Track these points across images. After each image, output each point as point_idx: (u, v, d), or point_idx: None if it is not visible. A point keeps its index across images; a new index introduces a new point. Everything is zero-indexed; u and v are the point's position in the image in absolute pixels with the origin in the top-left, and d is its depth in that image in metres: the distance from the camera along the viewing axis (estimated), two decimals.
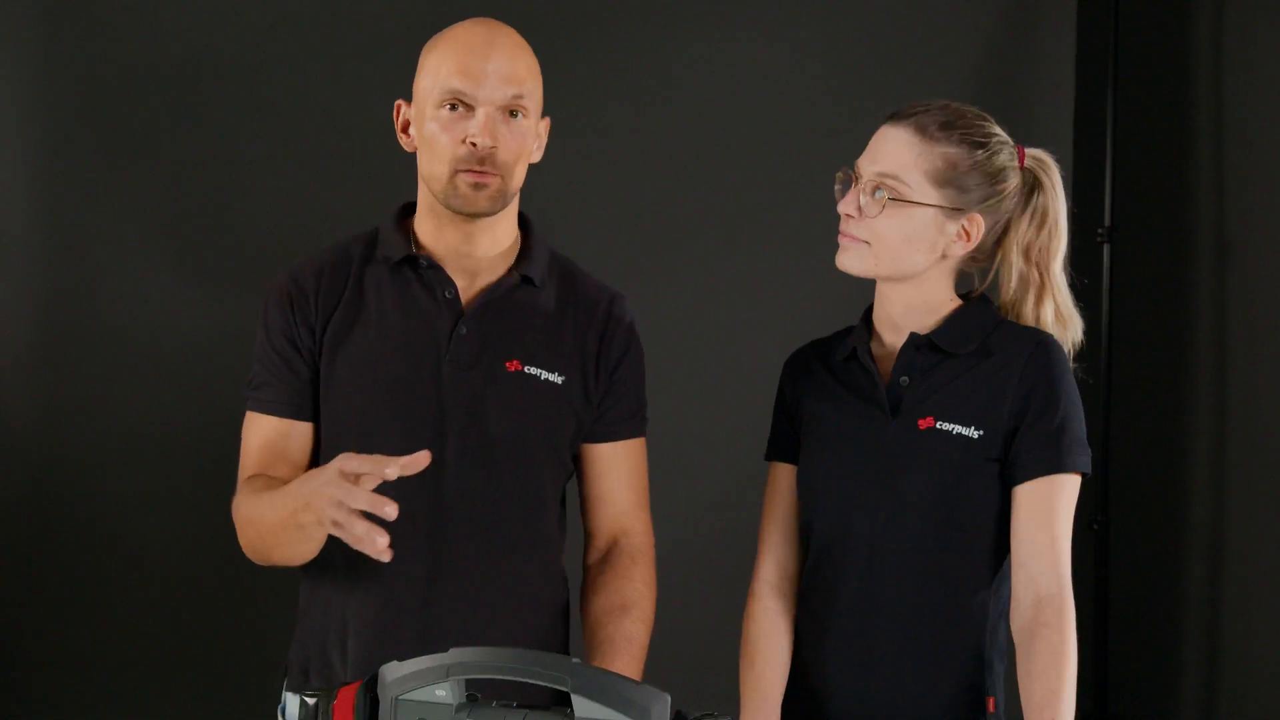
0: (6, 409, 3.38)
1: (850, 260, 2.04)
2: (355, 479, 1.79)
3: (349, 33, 3.43)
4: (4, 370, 3.38)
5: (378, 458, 1.79)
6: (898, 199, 2.00)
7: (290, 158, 3.42)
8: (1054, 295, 2.10)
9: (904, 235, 2.01)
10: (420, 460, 1.78)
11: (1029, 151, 2.09)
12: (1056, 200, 2.10)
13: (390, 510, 1.74)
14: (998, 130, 2.06)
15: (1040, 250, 2.09)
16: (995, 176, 2.03)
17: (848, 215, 2.03)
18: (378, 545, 1.77)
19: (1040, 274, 2.09)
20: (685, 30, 3.56)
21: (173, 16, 3.40)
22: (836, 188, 2.06)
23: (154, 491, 3.38)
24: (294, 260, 2.16)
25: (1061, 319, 2.10)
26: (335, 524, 1.80)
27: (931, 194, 2.00)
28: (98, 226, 3.39)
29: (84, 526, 3.38)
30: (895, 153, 2.01)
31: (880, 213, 2.00)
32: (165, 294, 3.39)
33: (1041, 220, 2.09)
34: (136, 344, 3.39)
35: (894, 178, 2.00)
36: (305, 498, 1.86)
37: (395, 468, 1.77)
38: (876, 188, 2.01)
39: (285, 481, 2.05)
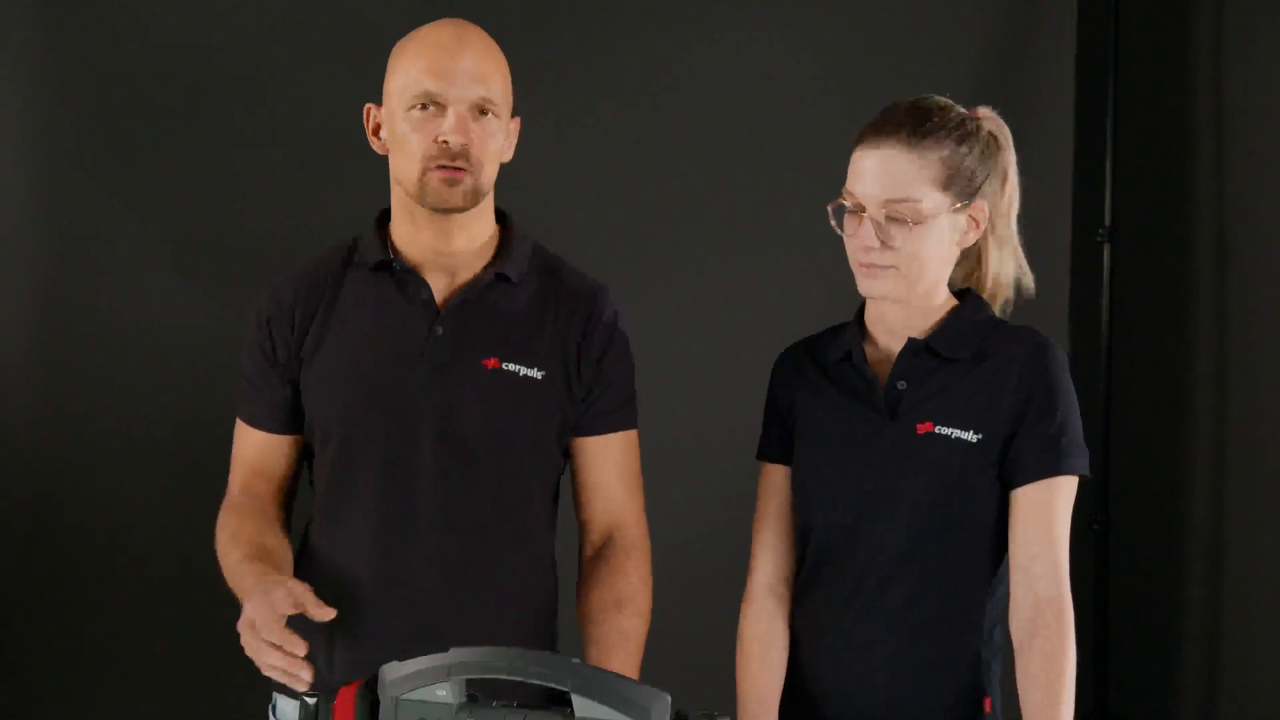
0: (6, 409, 3.38)
1: (884, 287, 2.00)
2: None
3: (348, 34, 3.42)
4: (4, 370, 3.38)
5: (272, 620, 1.84)
6: (918, 219, 1.98)
7: (290, 158, 3.42)
8: (1015, 252, 2.11)
9: (929, 249, 2.00)
10: (325, 615, 1.86)
11: (980, 113, 2.07)
12: (1011, 156, 2.09)
13: (300, 647, 1.83)
14: (959, 109, 2.04)
15: (1005, 209, 2.09)
16: (983, 157, 2.03)
17: (869, 248, 1.99)
18: (301, 679, 1.83)
19: (1002, 232, 2.11)
20: (682, 30, 3.56)
21: (172, 17, 3.40)
22: (833, 221, 2.04)
23: (153, 491, 3.38)
24: (292, 265, 2.18)
25: (1022, 272, 2.12)
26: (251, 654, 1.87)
27: (941, 200, 1.99)
28: (98, 226, 3.38)
29: (83, 526, 3.38)
30: (897, 174, 1.97)
31: (909, 236, 1.98)
32: (165, 294, 3.39)
33: (1004, 179, 2.09)
34: (136, 344, 3.38)
35: (906, 200, 1.97)
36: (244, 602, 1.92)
37: (279, 625, 1.83)
38: (893, 215, 1.98)
39: (265, 498, 2.12)
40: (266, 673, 1.87)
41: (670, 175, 3.54)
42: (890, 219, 1.98)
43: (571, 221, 3.09)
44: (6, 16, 3.35)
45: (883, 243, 1.98)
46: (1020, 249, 2.13)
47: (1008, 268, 2.12)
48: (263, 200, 3.42)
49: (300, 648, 1.82)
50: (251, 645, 1.85)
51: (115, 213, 3.39)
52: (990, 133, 2.06)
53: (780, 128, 3.54)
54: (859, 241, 2.00)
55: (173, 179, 3.40)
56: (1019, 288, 2.14)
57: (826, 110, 3.47)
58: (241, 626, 1.87)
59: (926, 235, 1.99)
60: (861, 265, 2.01)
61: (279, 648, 1.83)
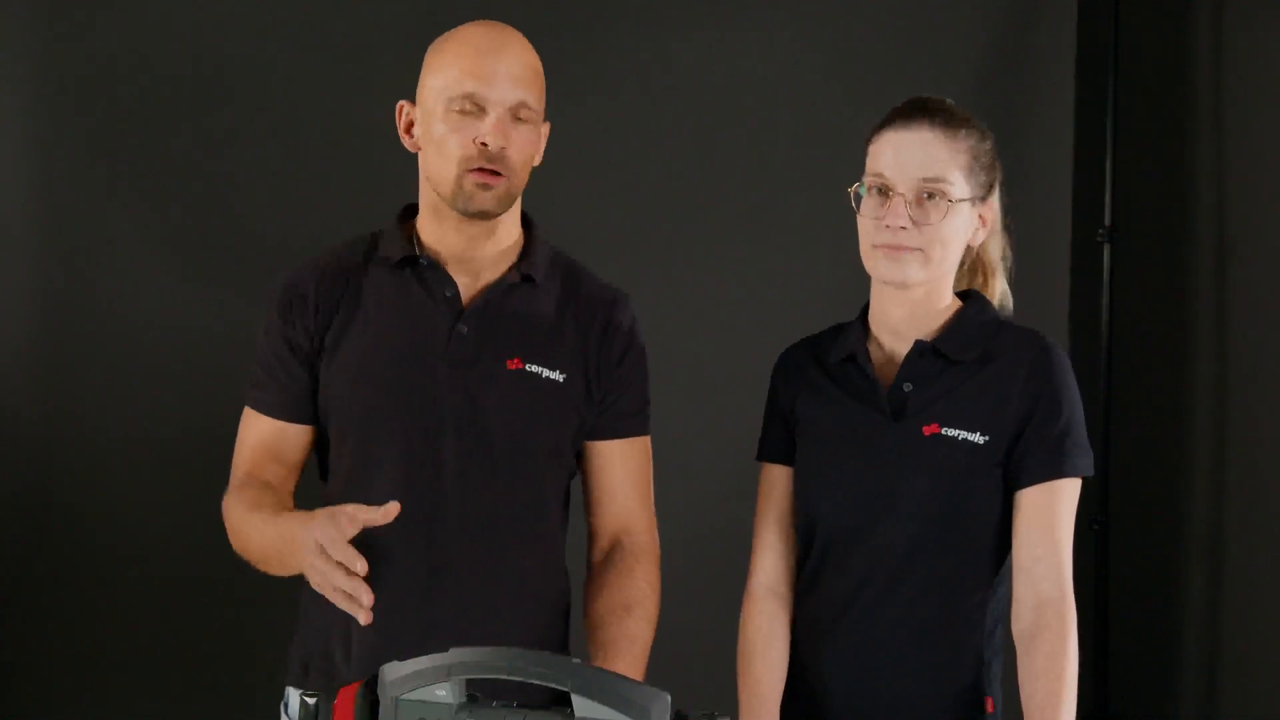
0: (6, 409, 3.38)
1: (909, 271, 2.00)
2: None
3: (350, 34, 3.43)
4: (3, 370, 3.38)
5: (339, 539, 1.80)
6: (950, 200, 1.99)
7: (291, 158, 3.42)
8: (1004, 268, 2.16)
9: (955, 234, 2.01)
10: (390, 511, 1.81)
11: None
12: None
13: (360, 566, 1.80)
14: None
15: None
16: (994, 158, 2.06)
17: (900, 228, 1.99)
18: (360, 618, 1.81)
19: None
20: (683, 30, 3.56)
21: (172, 17, 3.40)
22: (859, 203, 2.03)
23: (155, 491, 3.38)
24: (296, 262, 2.17)
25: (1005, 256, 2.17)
26: (318, 586, 1.84)
27: (965, 188, 2.01)
28: (98, 226, 3.38)
29: (84, 526, 3.38)
30: (933, 155, 1.99)
31: (943, 218, 1.99)
32: (165, 294, 3.39)
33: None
34: (136, 344, 3.38)
35: (941, 180, 1.98)
36: (292, 549, 1.89)
37: (353, 541, 1.80)
38: (930, 194, 1.99)
39: (276, 483, 2.09)
40: (332, 597, 1.83)
41: (671, 175, 3.54)
42: (923, 199, 1.98)
43: (573, 221, 3.08)
44: (6, 16, 3.35)
45: (914, 222, 1.98)
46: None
47: (994, 248, 2.14)
48: (263, 200, 3.42)
49: (361, 566, 1.79)
50: (323, 570, 1.81)
51: (115, 213, 3.39)
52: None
53: (781, 128, 3.54)
54: (889, 220, 1.99)
55: (173, 179, 3.40)
56: (1006, 266, 2.17)
57: (827, 110, 3.48)
58: (309, 553, 1.82)
59: (954, 219, 2.00)
60: (886, 247, 2.00)
61: (344, 568, 1.80)
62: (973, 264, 2.14)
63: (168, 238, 3.40)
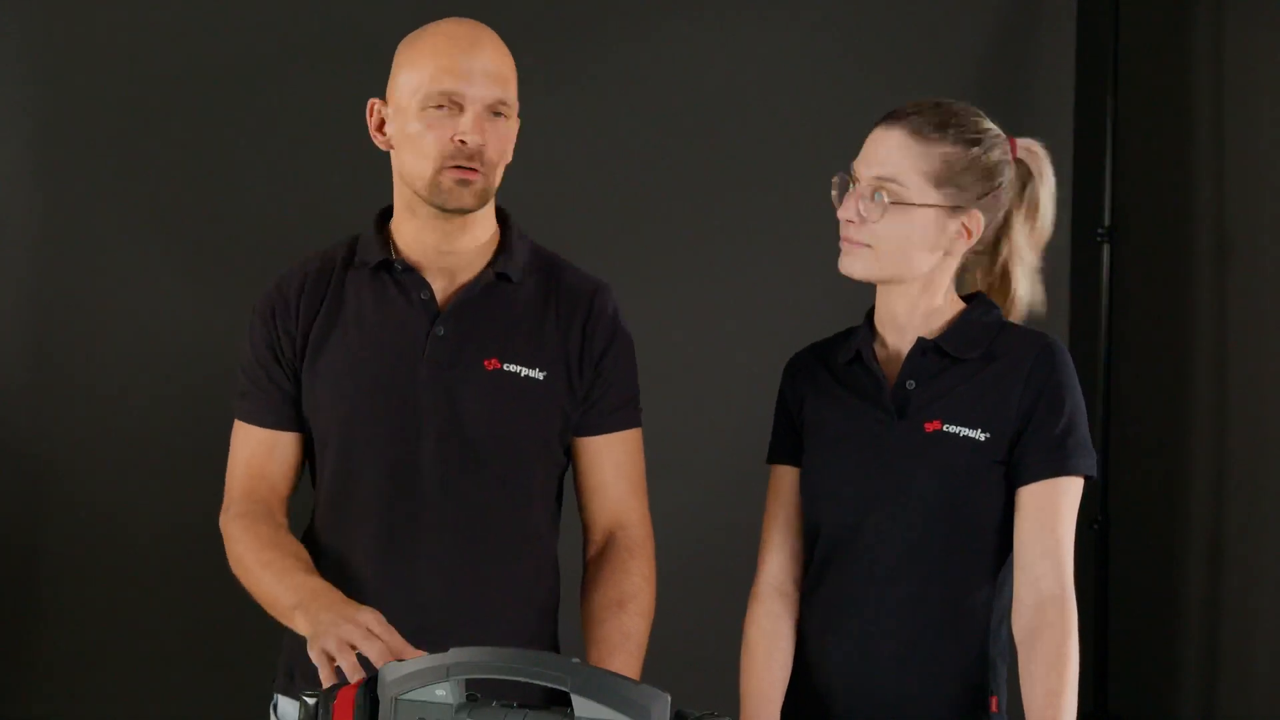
0: (5, 408, 3.38)
1: (853, 265, 2.04)
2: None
3: (349, 34, 3.43)
4: (3, 369, 3.38)
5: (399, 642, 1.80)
6: (898, 201, 2.00)
7: (290, 158, 3.42)
8: (1034, 280, 2.15)
9: (905, 237, 2.01)
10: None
11: (1020, 142, 2.10)
12: (1046, 191, 2.13)
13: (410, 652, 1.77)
14: (990, 125, 2.06)
15: (1033, 239, 2.12)
16: (991, 172, 2.04)
17: (848, 220, 2.02)
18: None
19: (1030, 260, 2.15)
20: (686, 27, 3.56)
21: (171, 17, 3.40)
22: (834, 193, 2.06)
23: (154, 491, 3.38)
24: (283, 268, 2.16)
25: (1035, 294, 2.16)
26: (334, 653, 1.79)
27: (931, 194, 2.01)
28: (98, 226, 3.38)
29: (83, 526, 3.38)
30: (891, 156, 2.00)
31: (882, 216, 2.00)
32: (164, 293, 3.39)
33: (1033, 211, 2.11)
34: (136, 344, 3.38)
35: (892, 180, 2.00)
36: (311, 624, 1.86)
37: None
38: (876, 191, 2.00)
39: (276, 503, 2.09)
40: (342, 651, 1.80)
41: (672, 175, 3.55)
42: (874, 197, 2.00)
43: (571, 222, 3.09)
44: (6, 16, 3.35)
45: (862, 219, 2.00)
46: (1039, 282, 2.17)
47: (1036, 294, 2.15)
48: (262, 200, 3.42)
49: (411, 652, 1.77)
50: (357, 636, 1.79)
51: (114, 212, 3.39)
52: (1021, 160, 2.08)
53: (781, 126, 3.54)
54: (840, 212, 2.04)
55: (172, 179, 3.40)
56: (1027, 269, 2.17)
57: (829, 111, 3.48)
58: (364, 624, 1.81)
59: (903, 221, 2.00)
60: (842, 239, 2.04)
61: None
62: (989, 266, 2.14)
63: (167, 237, 3.40)
